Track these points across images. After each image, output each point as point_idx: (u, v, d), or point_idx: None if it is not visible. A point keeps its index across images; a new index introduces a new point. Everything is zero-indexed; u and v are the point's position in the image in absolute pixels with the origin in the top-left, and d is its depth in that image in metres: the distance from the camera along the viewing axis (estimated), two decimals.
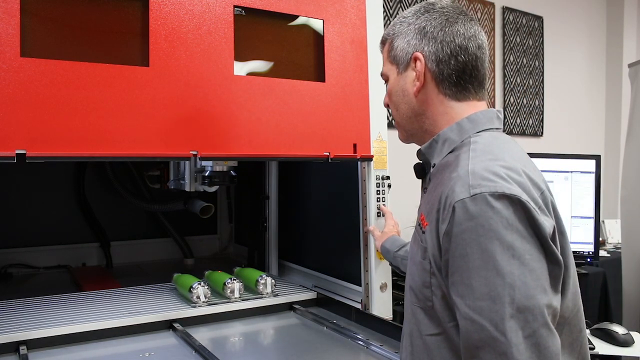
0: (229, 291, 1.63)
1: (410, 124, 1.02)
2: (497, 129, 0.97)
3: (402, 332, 1.02)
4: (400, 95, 1.01)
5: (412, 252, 0.97)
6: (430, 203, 0.91)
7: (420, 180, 1.06)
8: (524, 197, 0.80)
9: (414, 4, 3.67)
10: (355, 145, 1.66)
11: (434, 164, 0.98)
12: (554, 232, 0.83)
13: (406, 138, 1.06)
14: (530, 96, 4.20)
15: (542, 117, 4.29)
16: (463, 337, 0.81)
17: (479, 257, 0.78)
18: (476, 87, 0.97)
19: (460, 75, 0.95)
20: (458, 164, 0.88)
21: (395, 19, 1.03)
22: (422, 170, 1.04)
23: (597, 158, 2.42)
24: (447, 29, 0.95)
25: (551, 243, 0.81)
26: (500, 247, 0.77)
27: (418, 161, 1.05)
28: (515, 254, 0.77)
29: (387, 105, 1.07)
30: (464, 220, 0.80)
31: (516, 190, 0.80)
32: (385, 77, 1.05)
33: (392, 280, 1.75)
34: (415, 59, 0.96)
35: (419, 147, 1.03)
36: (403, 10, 3.37)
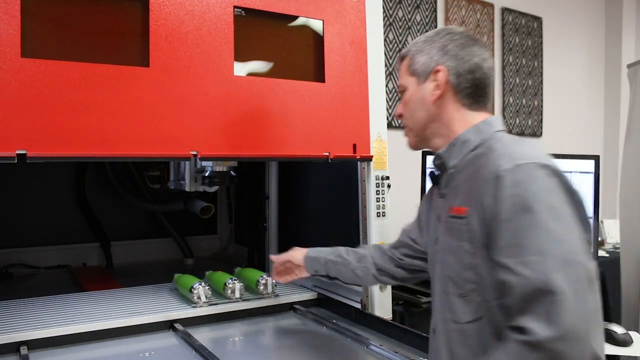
0: (229, 291, 1.63)
1: (423, 130, 1.12)
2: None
3: (431, 328, 1.09)
4: (418, 103, 1.10)
5: (444, 246, 1.05)
6: (463, 193, 1.00)
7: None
8: (554, 165, 0.92)
9: (413, 6, 3.66)
10: (354, 146, 1.66)
11: (453, 166, 1.07)
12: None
13: (417, 144, 1.16)
14: (529, 96, 4.20)
15: (541, 118, 4.29)
16: (514, 294, 0.86)
17: (526, 218, 0.87)
18: (486, 101, 1.10)
19: (475, 89, 1.07)
20: (494, 150, 0.98)
21: (417, 39, 1.15)
22: (437, 178, 1.13)
23: (596, 158, 2.42)
24: (466, 49, 1.07)
25: (585, 211, 0.92)
26: (545, 208, 0.87)
27: (432, 169, 1.14)
28: (558, 215, 0.87)
29: (400, 116, 1.16)
30: (509, 187, 0.90)
31: (547, 160, 0.92)
32: (403, 88, 1.15)
33: None
34: (437, 71, 1.07)
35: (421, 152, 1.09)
36: (402, 12, 3.38)
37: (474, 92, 1.07)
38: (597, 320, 0.84)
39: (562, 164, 2.65)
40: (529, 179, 0.89)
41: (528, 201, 0.88)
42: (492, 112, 1.12)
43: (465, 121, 1.07)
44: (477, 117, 1.08)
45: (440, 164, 1.10)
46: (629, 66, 3.02)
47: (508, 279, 0.87)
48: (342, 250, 1.43)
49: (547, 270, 0.84)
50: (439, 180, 1.12)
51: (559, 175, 0.91)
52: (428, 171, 1.15)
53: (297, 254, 1.50)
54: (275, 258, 1.53)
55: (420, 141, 1.14)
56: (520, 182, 0.89)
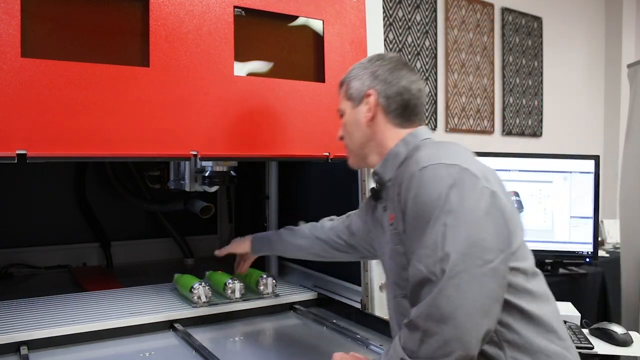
0: (229, 291, 1.63)
1: (361, 149, 1.21)
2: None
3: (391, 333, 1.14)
4: (354, 125, 1.21)
5: (387, 255, 1.13)
6: (394, 202, 1.07)
7: None
8: (464, 165, 0.97)
9: (413, 6, 3.67)
10: None
11: (389, 179, 1.14)
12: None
13: (357, 162, 1.26)
14: (530, 96, 4.20)
15: (541, 118, 4.30)
16: (409, 283, 0.96)
17: (424, 216, 0.95)
18: (418, 119, 1.19)
19: (404, 109, 1.16)
20: (413, 157, 1.06)
21: (353, 66, 1.25)
22: (378, 193, 1.22)
23: (596, 158, 2.42)
24: (394, 73, 1.17)
25: (502, 207, 0.96)
26: (443, 204, 0.93)
27: (373, 186, 1.23)
28: (455, 211, 0.92)
29: (341, 138, 1.26)
30: (415, 188, 0.98)
31: (457, 160, 0.97)
32: (341, 113, 1.25)
33: None
34: (368, 95, 1.17)
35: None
36: (402, 11, 3.39)
37: (403, 112, 1.16)
38: (480, 313, 0.88)
39: (562, 164, 2.67)
40: (432, 178, 0.96)
41: (428, 199, 0.95)
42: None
43: (396, 138, 1.16)
44: (407, 133, 1.16)
45: (378, 180, 1.19)
46: (629, 66, 3.02)
47: (410, 272, 0.96)
48: (289, 249, 1.58)
49: (430, 262, 0.91)
50: (381, 194, 1.20)
51: (467, 173, 0.96)
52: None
53: (241, 246, 1.66)
54: (219, 252, 1.69)
55: (359, 159, 1.24)
56: (424, 182, 0.97)
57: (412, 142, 1.13)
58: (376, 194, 1.22)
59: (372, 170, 1.22)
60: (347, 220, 1.46)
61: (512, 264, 0.98)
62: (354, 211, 1.48)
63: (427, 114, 3.53)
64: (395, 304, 1.10)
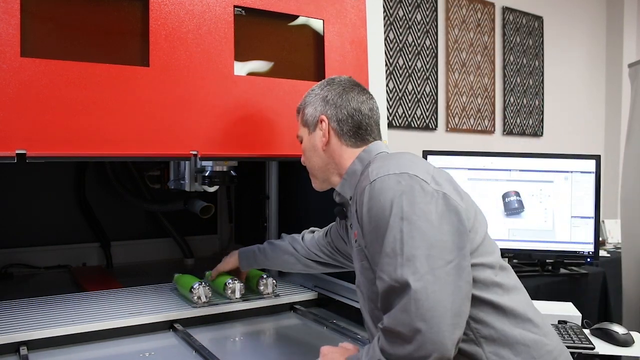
0: (229, 291, 1.63)
1: (322, 173, 1.25)
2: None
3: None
4: (312, 150, 1.25)
5: (358, 271, 1.14)
6: (355, 218, 1.09)
7: None
8: (412, 172, 1.00)
9: (414, 5, 3.66)
10: None
11: (350, 197, 1.17)
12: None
13: (320, 185, 1.29)
14: (530, 96, 4.20)
15: (542, 117, 4.29)
16: (379, 294, 0.96)
17: (380, 226, 0.96)
18: (373, 137, 1.21)
19: (356, 130, 1.20)
20: (365, 173, 1.08)
21: (307, 93, 1.28)
22: (343, 212, 1.24)
23: (597, 158, 2.42)
24: (344, 96, 1.20)
25: (454, 209, 0.97)
26: (395, 212, 0.95)
27: (338, 205, 1.25)
28: (408, 217, 0.94)
29: (304, 163, 1.30)
30: (367, 202, 1.01)
31: (405, 169, 1.00)
32: (300, 139, 1.29)
33: None
34: (321, 121, 1.21)
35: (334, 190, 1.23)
36: (403, 11, 3.38)
37: (356, 133, 1.19)
38: (451, 312, 0.89)
39: (563, 164, 2.65)
40: (382, 190, 0.99)
41: (381, 210, 0.97)
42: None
43: (354, 157, 1.19)
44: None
45: (341, 199, 1.22)
46: (630, 65, 3.02)
47: (377, 283, 0.97)
48: (274, 264, 1.61)
49: (391, 270, 0.92)
50: (346, 213, 1.22)
51: (416, 179, 0.98)
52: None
53: (230, 263, 1.67)
54: (212, 278, 1.70)
55: (322, 182, 1.28)
56: (374, 195, 0.99)
57: (366, 158, 1.16)
58: (342, 214, 1.25)
59: (334, 192, 1.24)
60: (328, 237, 1.47)
61: (477, 260, 0.99)
62: (331, 226, 1.47)
63: (427, 114, 3.52)
64: (371, 317, 1.11)
